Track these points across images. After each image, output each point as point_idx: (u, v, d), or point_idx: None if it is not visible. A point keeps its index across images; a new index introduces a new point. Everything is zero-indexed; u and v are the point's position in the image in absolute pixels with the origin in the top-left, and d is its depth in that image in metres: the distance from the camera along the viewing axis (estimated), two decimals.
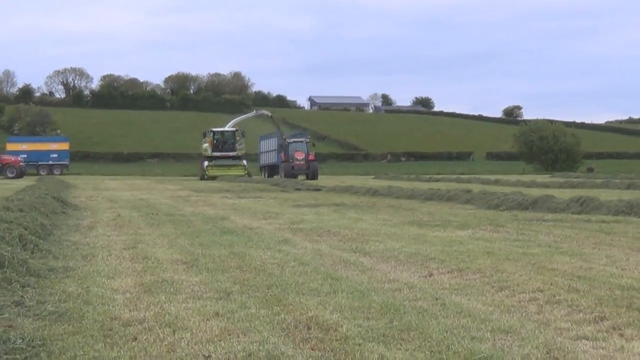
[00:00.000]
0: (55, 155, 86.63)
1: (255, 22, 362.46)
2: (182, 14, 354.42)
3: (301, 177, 62.88)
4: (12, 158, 75.94)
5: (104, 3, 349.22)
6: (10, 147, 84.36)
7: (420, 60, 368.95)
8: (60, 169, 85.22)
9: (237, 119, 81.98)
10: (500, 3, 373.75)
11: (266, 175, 73.22)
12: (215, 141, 69.50)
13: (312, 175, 65.02)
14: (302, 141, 70.48)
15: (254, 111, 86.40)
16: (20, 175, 73.07)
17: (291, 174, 63.96)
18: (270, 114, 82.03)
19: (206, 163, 67.60)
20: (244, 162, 69.08)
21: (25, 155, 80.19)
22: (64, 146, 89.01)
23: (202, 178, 66.35)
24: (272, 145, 76.28)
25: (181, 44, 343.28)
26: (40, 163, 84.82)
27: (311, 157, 67.78)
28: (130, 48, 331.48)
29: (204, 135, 71.63)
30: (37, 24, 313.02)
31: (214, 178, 64.95)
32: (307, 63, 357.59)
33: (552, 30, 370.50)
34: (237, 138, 70.62)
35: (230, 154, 68.96)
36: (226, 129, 73.53)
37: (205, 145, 70.44)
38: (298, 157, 66.28)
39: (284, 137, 72.29)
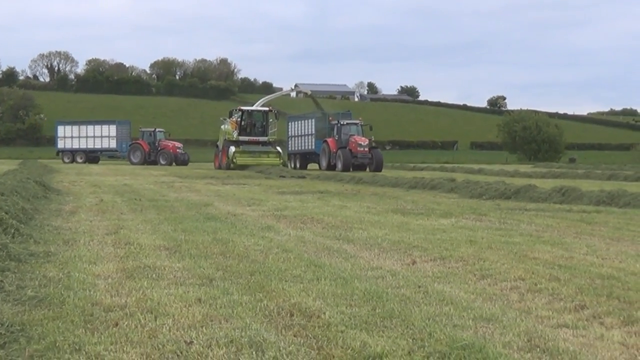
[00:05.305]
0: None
1: (243, 8, 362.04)
2: None
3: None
4: (170, 144, 70.98)
5: None
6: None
7: (406, 49, 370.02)
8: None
9: (268, 96, 69.80)
10: None
11: (297, 165, 60.40)
12: (242, 123, 56.44)
13: (377, 166, 53.00)
14: (357, 123, 56.29)
15: (290, 88, 74.28)
16: (178, 162, 67.75)
17: (351, 164, 52.17)
18: (309, 92, 70.77)
19: (233, 149, 54.51)
20: (278, 149, 56.92)
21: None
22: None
23: (227, 167, 53.96)
24: (307, 129, 60.92)
25: (168, 29, 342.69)
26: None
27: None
28: (116, 32, 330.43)
29: (230, 115, 58.54)
30: (22, 8, 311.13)
31: (243, 168, 52.93)
32: (295, 50, 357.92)
33: (538, 20, 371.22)
34: (270, 120, 58.09)
35: (261, 139, 56.33)
36: (257, 108, 60.28)
37: (226, 127, 57.81)
38: (361, 143, 52.74)
39: (330, 118, 57.69)
